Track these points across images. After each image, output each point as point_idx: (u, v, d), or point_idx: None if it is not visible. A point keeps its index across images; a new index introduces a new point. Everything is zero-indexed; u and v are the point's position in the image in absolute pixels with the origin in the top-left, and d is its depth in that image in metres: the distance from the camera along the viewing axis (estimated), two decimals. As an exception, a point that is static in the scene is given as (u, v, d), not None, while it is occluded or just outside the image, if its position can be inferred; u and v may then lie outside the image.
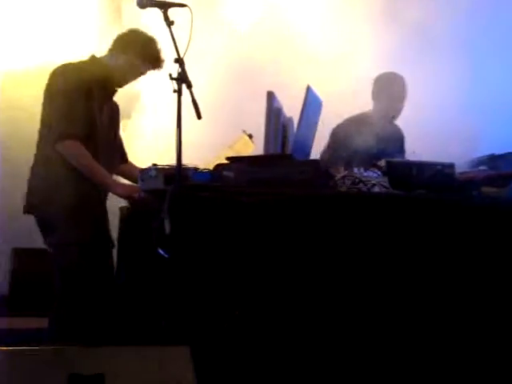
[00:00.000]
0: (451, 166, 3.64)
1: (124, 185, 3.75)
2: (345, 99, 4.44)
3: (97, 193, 3.74)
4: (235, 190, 3.23)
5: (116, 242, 3.76)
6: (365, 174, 3.59)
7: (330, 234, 3.21)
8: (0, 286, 4.97)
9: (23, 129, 4.54)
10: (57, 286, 3.71)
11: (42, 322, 4.48)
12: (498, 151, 4.04)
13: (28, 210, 3.77)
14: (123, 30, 3.93)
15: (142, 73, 3.86)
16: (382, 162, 3.68)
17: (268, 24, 4.96)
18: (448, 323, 3.28)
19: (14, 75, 5.27)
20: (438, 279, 3.28)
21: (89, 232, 3.65)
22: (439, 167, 3.62)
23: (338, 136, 4.50)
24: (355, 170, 3.61)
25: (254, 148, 3.93)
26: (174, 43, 3.20)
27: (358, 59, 4.85)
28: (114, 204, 3.89)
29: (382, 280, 3.23)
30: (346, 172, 3.52)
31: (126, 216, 3.69)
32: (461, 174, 3.74)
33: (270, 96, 3.52)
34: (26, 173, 3.99)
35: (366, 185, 3.44)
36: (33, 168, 3.77)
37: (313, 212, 3.21)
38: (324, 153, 4.47)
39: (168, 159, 3.70)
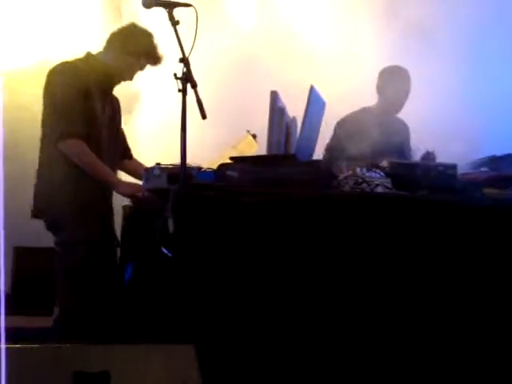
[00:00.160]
0: (453, 166, 3.65)
1: (128, 183, 3.75)
2: (347, 100, 4.46)
3: (102, 190, 3.74)
4: (239, 189, 3.24)
5: (119, 241, 3.78)
6: (367, 174, 3.60)
7: (334, 234, 3.22)
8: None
9: (26, 128, 4.54)
10: (59, 284, 3.71)
11: (43, 321, 4.50)
12: (499, 152, 4.06)
13: (35, 214, 3.78)
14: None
15: (141, 69, 3.83)
16: (385, 163, 3.70)
17: (271, 24, 4.97)
18: (451, 323, 3.29)
19: (17, 74, 5.26)
20: (441, 279, 3.29)
21: (96, 230, 3.66)
22: (441, 168, 3.64)
23: (342, 129, 4.52)
24: (358, 170, 3.62)
25: (258, 148, 3.93)
26: (179, 43, 3.19)
27: (361, 59, 4.87)
28: (118, 203, 3.91)
29: (385, 279, 3.24)
30: (350, 172, 3.54)
31: (129, 215, 3.71)
32: (462, 175, 3.75)
33: (274, 96, 3.54)
34: (29, 172, 3.99)
35: (369, 185, 3.45)
36: (38, 171, 3.78)
37: (316, 212, 3.22)
38: (328, 146, 4.48)
39: (167, 158, 3.72)
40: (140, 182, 3.73)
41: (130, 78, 3.86)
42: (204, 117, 3.18)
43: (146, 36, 3.78)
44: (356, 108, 4.63)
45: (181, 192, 3.13)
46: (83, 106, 3.65)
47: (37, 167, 3.81)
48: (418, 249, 3.31)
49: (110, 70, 3.80)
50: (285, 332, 3.14)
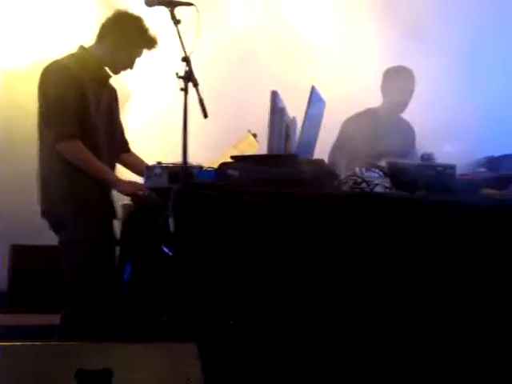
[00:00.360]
0: (452, 167, 3.67)
1: (128, 182, 3.75)
2: (346, 99, 4.47)
3: (102, 188, 3.75)
4: (240, 189, 3.24)
5: (118, 239, 3.78)
6: (366, 174, 3.62)
7: (334, 233, 3.22)
8: None
9: (23, 127, 4.54)
10: (68, 283, 3.71)
11: (41, 319, 4.52)
12: (497, 153, 4.08)
13: (42, 215, 3.78)
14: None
15: (138, 55, 3.80)
16: (383, 163, 3.72)
17: (272, 24, 4.98)
18: (451, 323, 3.30)
19: (13, 73, 5.25)
20: (440, 279, 3.30)
21: (98, 228, 3.67)
22: (440, 168, 3.65)
23: (347, 130, 4.53)
24: (357, 170, 3.64)
25: (258, 147, 3.94)
26: (181, 42, 3.19)
27: (361, 58, 4.88)
28: (116, 200, 3.91)
29: (385, 278, 3.25)
30: (350, 172, 3.55)
31: (130, 213, 3.71)
32: (461, 175, 3.77)
33: (274, 96, 3.54)
34: (25, 170, 4.00)
35: (368, 185, 3.47)
36: (38, 170, 3.77)
37: (317, 212, 3.22)
38: (334, 147, 4.49)
39: (159, 158, 3.73)
40: (139, 178, 3.75)
41: (131, 67, 3.83)
42: (205, 115, 3.19)
43: (137, 21, 3.75)
44: (356, 107, 4.65)
45: (182, 191, 3.14)
46: (77, 105, 3.64)
47: (33, 166, 3.81)
48: (417, 249, 3.31)
49: (105, 62, 3.78)
50: (287, 330, 3.15)
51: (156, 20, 3.69)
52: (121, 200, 3.89)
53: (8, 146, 5.09)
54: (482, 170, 3.95)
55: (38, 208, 3.80)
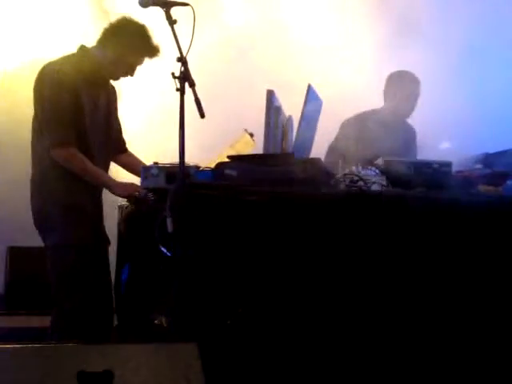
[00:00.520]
0: (448, 164, 3.68)
1: (124, 184, 3.70)
2: (342, 98, 4.48)
3: (92, 192, 3.74)
4: (237, 188, 3.26)
5: (116, 240, 3.77)
6: (363, 172, 3.63)
7: (333, 231, 3.24)
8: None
9: (20, 128, 4.53)
10: (52, 287, 3.70)
11: (38, 321, 4.51)
12: (493, 149, 4.09)
13: (33, 212, 3.76)
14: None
15: (139, 63, 3.77)
16: (380, 161, 3.72)
17: (267, 22, 4.97)
18: (449, 319, 3.31)
19: (11, 74, 5.24)
20: (438, 276, 3.32)
21: (86, 233, 3.65)
22: (436, 166, 3.66)
23: (346, 130, 4.54)
24: (354, 168, 3.65)
25: (255, 146, 3.95)
26: (177, 42, 3.17)
27: (357, 58, 4.88)
28: (113, 203, 3.91)
29: (384, 276, 3.27)
30: (346, 170, 3.56)
31: (126, 214, 3.71)
32: (457, 172, 3.78)
33: (270, 95, 3.54)
34: (22, 172, 3.99)
35: (365, 183, 3.48)
36: (32, 171, 3.76)
37: (315, 210, 3.24)
38: (331, 147, 4.50)
39: (151, 157, 3.73)
40: (136, 179, 3.75)
41: (132, 74, 3.80)
42: (202, 115, 3.18)
43: (141, 29, 3.72)
44: (352, 106, 4.65)
45: (179, 191, 3.14)
46: (72, 108, 3.62)
47: (30, 168, 3.81)
48: (414, 246, 3.33)
49: (105, 67, 3.75)
50: (286, 329, 3.16)
51: (148, 19, 3.69)
52: (117, 201, 3.90)
53: (4, 149, 5.09)
54: (478, 166, 3.96)
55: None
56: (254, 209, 3.21)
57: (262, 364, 3.11)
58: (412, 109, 4.71)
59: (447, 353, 3.31)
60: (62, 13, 5.36)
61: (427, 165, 3.64)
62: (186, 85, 3.16)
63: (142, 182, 3.44)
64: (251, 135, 4.00)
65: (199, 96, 3.19)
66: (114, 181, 3.75)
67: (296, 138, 3.57)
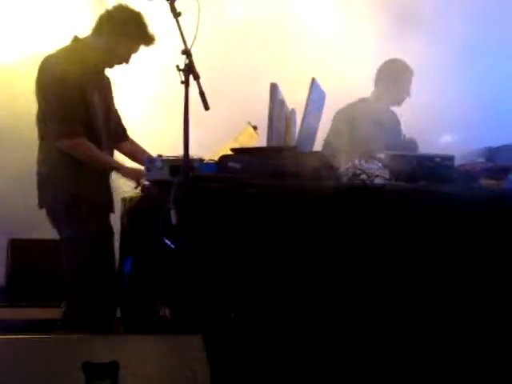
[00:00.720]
0: (451, 158, 3.69)
1: (133, 169, 3.73)
2: (344, 89, 4.49)
3: (104, 185, 3.76)
4: (241, 181, 3.26)
5: (119, 232, 3.78)
6: (365, 165, 3.63)
7: (336, 225, 3.24)
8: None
9: (20, 122, 4.53)
10: (68, 278, 3.71)
11: (40, 313, 4.52)
12: (495, 143, 4.09)
13: (41, 205, 3.77)
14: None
15: (135, 51, 3.78)
16: (382, 154, 3.73)
17: (271, 14, 4.97)
18: (451, 315, 3.32)
19: (9, 68, 5.23)
20: (442, 270, 3.33)
21: (98, 225, 3.68)
22: (438, 159, 3.67)
23: (338, 121, 4.56)
24: (356, 161, 3.65)
25: (258, 139, 3.95)
26: (182, 35, 3.17)
27: (361, 50, 4.88)
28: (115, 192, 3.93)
29: (387, 269, 3.27)
30: (349, 164, 3.57)
31: (129, 207, 3.72)
32: (459, 165, 3.78)
33: (273, 88, 3.55)
34: (22, 165, 3.99)
35: (368, 176, 3.48)
36: (38, 163, 3.76)
37: (319, 204, 3.24)
38: (326, 140, 4.51)
39: (150, 150, 3.74)
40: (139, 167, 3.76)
41: (127, 62, 3.81)
42: (207, 108, 3.18)
43: (136, 17, 3.72)
44: (353, 98, 4.67)
45: (183, 184, 3.14)
46: (77, 100, 3.64)
47: (31, 160, 3.81)
48: (417, 240, 3.33)
49: (101, 55, 3.75)
50: (289, 320, 3.17)
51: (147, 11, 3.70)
52: (120, 193, 3.90)
53: (3, 143, 5.09)
54: (481, 160, 3.97)
55: (35, 202, 3.79)
56: (257, 201, 3.21)
57: (266, 356, 3.11)
58: (403, 97, 4.75)
59: (451, 349, 3.32)
60: (60, 5, 5.35)
61: (430, 158, 3.65)
62: (191, 77, 3.17)
63: (145, 175, 3.44)
64: (255, 128, 4.00)
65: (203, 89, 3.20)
66: (124, 165, 3.77)
67: (299, 132, 3.58)
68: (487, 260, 3.38)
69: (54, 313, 4.02)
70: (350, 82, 4.63)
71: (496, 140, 4.09)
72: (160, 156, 3.39)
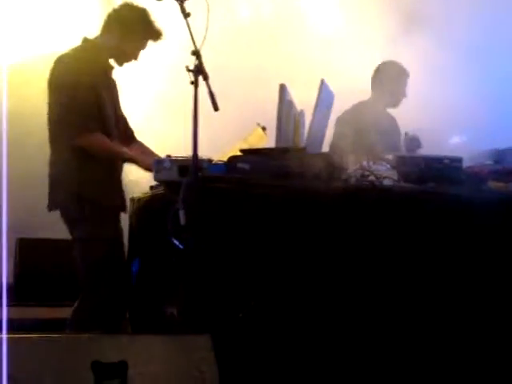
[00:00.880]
0: (459, 159, 3.69)
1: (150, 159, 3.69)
2: (352, 90, 4.50)
3: (116, 183, 3.78)
4: (250, 182, 3.27)
5: (128, 232, 3.79)
6: (374, 167, 3.64)
7: (345, 225, 3.25)
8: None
9: (31, 123, 4.54)
10: (81, 278, 3.71)
11: (48, 312, 4.53)
12: (502, 145, 4.09)
13: (52, 207, 3.77)
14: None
15: (143, 47, 3.81)
16: (390, 156, 3.74)
17: (279, 16, 4.98)
18: (461, 315, 3.32)
19: (20, 69, 5.25)
20: (449, 272, 3.33)
21: (112, 226, 3.70)
22: (447, 161, 3.67)
23: (342, 125, 4.58)
24: (364, 163, 3.66)
25: (267, 140, 3.96)
26: (191, 35, 3.18)
27: (370, 50, 4.89)
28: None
29: (394, 270, 3.28)
30: (358, 165, 3.57)
31: (138, 207, 3.73)
32: (467, 167, 3.78)
33: (282, 89, 3.55)
34: (32, 165, 4.00)
35: (377, 178, 3.49)
36: (51, 164, 3.77)
37: (327, 204, 3.25)
38: (332, 144, 4.52)
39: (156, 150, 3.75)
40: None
41: (135, 58, 3.84)
42: (216, 109, 3.19)
43: (143, 13, 3.75)
44: (360, 99, 4.68)
45: (192, 184, 3.15)
46: (92, 98, 3.66)
47: (40, 161, 3.82)
48: (425, 241, 3.34)
49: (110, 53, 3.78)
50: (297, 320, 3.17)
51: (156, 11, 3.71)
52: (128, 194, 3.91)
53: (17, 141, 5.10)
54: (489, 162, 3.96)
55: (44, 201, 3.79)
56: (266, 202, 3.22)
57: (274, 356, 3.12)
58: (400, 99, 4.78)
59: (463, 353, 3.33)
60: (70, 6, 5.37)
61: (438, 160, 3.65)
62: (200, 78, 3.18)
63: (154, 175, 3.44)
64: (264, 129, 4.01)
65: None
66: (141, 155, 3.78)
67: (308, 132, 3.58)
68: (496, 262, 3.38)
69: (62, 312, 4.03)
70: (358, 83, 4.64)
71: (504, 141, 4.09)
72: (169, 156, 3.40)
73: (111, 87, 3.87)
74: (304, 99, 3.72)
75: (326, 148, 3.88)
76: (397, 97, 4.83)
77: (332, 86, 3.77)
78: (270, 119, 3.61)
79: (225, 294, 3.16)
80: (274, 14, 5.07)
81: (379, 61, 4.84)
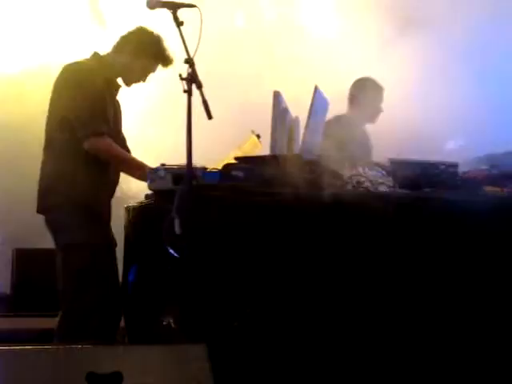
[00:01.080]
0: (455, 165, 3.69)
1: None
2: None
3: (106, 192, 3.77)
4: (245, 189, 3.26)
5: (123, 241, 3.78)
6: (369, 173, 3.63)
7: (340, 232, 3.24)
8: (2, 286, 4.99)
9: (28, 133, 4.55)
10: (64, 286, 3.70)
11: (44, 323, 4.50)
12: (498, 150, 4.08)
13: (40, 211, 3.77)
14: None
15: (153, 71, 3.86)
16: (386, 162, 3.73)
17: (273, 22, 4.98)
18: (459, 319, 3.31)
19: (17, 80, 5.26)
20: (446, 277, 3.32)
21: (98, 232, 3.68)
22: (443, 166, 3.66)
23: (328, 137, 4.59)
24: (360, 169, 3.65)
25: (261, 148, 3.95)
26: (184, 43, 3.18)
27: (364, 56, 4.89)
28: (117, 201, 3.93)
29: (391, 276, 3.27)
30: (353, 171, 3.56)
31: (133, 216, 3.71)
32: (463, 173, 3.78)
33: (277, 96, 3.54)
34: (29, 176, 3.99)
35: (372, 184, 3.48)
36: (42, 169, 3.77)
37: (323, 211, 3.24)
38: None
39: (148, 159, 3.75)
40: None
41: (144, 80, 3.89)
42: (210, 117, 3.19)
43: (156, 39, 3.82)
44: None
45: (186, 193, 3.14)
46: (103, 106, 3.70)
47: (36, 169, 3.81)
48: (422, 247, 3.33)
49: (119, 72, 3.83)
50: (293, 329, 3.16)
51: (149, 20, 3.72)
52: (122, 202, 3.91)
53: (13, 152, 5.11)
54: (485, 167, 3.96)
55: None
56: (261, 210, 3.21)
57: (270, 365, 3.11)
58: (377, 115, 4.81)
59: (451, 354, 3.32)
60: (65, 19, 5.37)
61: (434, 165, 3.65)
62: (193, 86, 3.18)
63: (148, 184, 3.44)
64: (258, 137, 4.01)
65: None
66: (147, 165, 3.75)
67: (303, 139, 3.58)
68: (492, 267, 3.37)
69: (58, 323, 4.01)
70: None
71: (500, 147, 4.08)
72: (163, 165, 3.39)
73: (115, 106, 3.89)
74: (299, 106, 3.71)
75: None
76: (374, 113, 4.88)
77: (329, 89, 3.77)
78: (265, 126, 3.61)
79: (220, 302, 3.15)
80: (269, 21, 5.07)
81: (376, 63, 4.85)
